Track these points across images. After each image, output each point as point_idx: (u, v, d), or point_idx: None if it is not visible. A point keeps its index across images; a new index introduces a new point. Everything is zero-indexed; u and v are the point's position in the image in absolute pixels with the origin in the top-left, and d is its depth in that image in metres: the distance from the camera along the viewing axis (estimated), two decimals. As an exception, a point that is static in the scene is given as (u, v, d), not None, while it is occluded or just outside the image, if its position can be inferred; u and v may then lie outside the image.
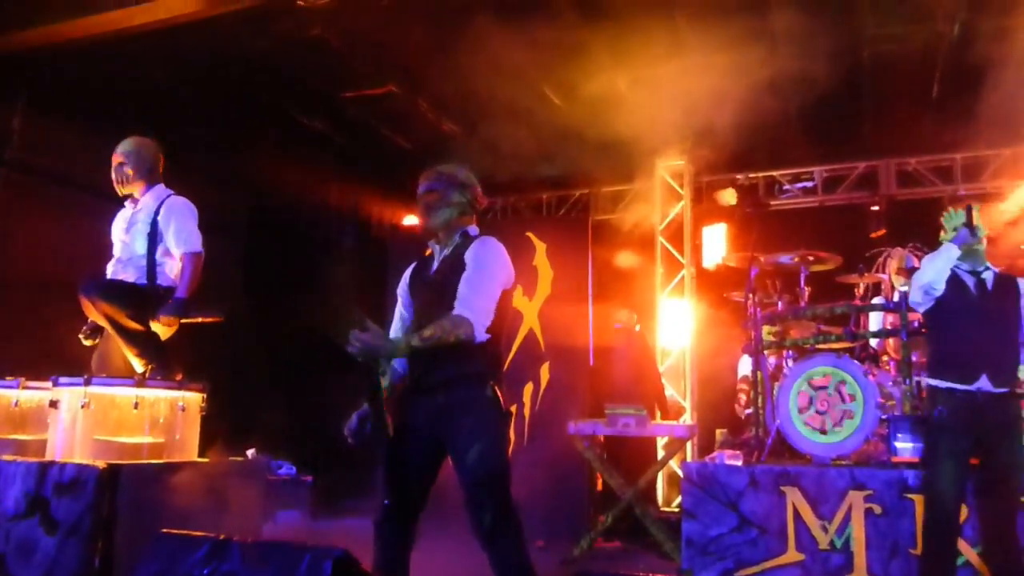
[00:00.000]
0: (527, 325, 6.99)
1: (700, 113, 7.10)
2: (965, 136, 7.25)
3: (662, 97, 6.97)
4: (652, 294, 8.08)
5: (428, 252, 3.10)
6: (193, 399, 4.08)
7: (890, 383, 4.92)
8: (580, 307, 7.03)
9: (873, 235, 7.34)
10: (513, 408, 6.85)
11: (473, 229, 3.04)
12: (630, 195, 8.56)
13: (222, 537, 2.55)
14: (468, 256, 2.89)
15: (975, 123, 6.83)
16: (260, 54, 6.36)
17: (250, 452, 5.81)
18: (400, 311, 3.11)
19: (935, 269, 3.85)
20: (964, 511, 3.93)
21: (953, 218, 3.95)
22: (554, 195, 8.83)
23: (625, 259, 8.18)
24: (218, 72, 6.60)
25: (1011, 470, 3.78)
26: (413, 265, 3.15)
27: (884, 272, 5.59)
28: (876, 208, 7.58)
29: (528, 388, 6.86)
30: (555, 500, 6.28)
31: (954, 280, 3.89)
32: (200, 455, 4.13)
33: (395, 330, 3.08)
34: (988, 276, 3.90)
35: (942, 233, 4.02)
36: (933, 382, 3.92)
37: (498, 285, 2.89)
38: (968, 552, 4.00)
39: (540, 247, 7.12)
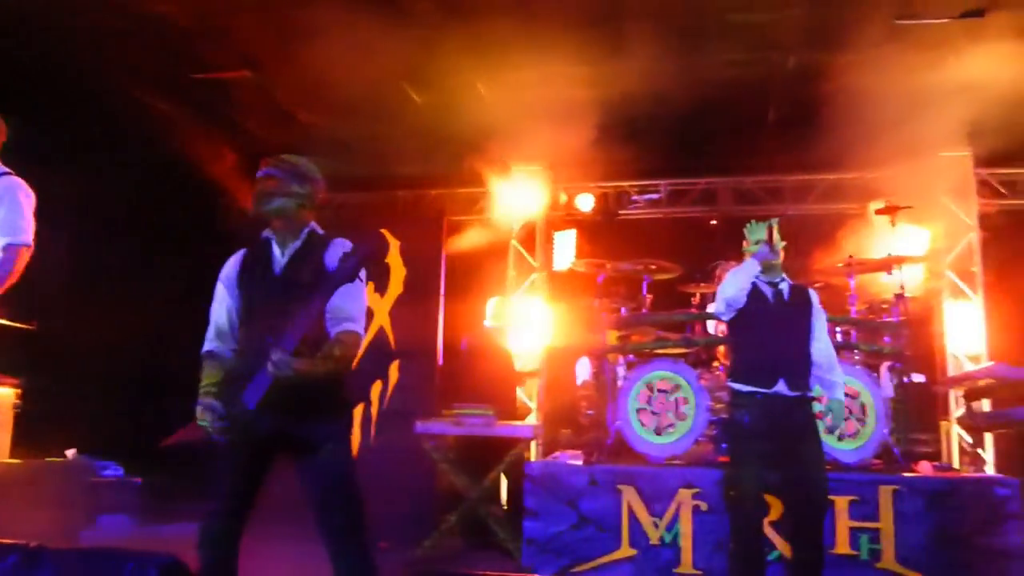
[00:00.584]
0: (377, 322, 6.91)
1: (556, 121, 7.29)
2: (795, 161, 7.82)
3: (520, 103, 7.10)
4: (503, 296, 8.19)
5: (261, 243, 2.98)
6: (4, 395, 3.75)
7: (720, 388, 5.24)
8: (432, 306, 7.03)
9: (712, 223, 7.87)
10: (361, 406, 6.75)
11: (316, 226, 2.98)
12: (486, 198, 8.65)
13: (33, 545, 2.36)
14: (331, 261, 2.80)
15: (803, 149, 7.40)
16: (103, 29, 5.95)
17: (70, 452, 5.41)
18: (226, 302, 2.95)
19: (737, 284, 4.09)
20: (776, 508, 4.25)
21: (754, 231, 4.17)
22: (410, 193, 8.76)
23: (478, 260, 8.25)
24: (56, 45, 6.13)
25: (814, 468, 4.01)
26: (243, 254, 3.01)
27: (718, 283, 5.94)
28: (714, 223, 8.04)
29: (377, 386, 6.78)
30: (400, 500, 6.23)
31: (754, 291, 4.13)
32: (12, 455, 3.80)
33: (220, 321, 2.95)
34: (784, 287, 4.17)
35: (744, 244, 4.27)
36: (736, 387, 4.12)
37: (365, 294, 2.90)
38: (783, 547, 4.32)
39: (394, 244, 7.06)
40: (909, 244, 6.84)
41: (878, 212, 5.92)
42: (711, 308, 5.93)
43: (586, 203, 7.84)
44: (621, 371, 5.64)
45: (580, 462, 4.88)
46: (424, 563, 5.41)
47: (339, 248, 2.83)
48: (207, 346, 2.94)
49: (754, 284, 4.15)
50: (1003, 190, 7.72)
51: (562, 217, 8.06)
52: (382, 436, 6.63)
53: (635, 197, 8.23)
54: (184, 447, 2.74)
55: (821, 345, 4.19)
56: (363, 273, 2.77)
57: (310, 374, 2.60)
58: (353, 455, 2.86)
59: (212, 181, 8.57)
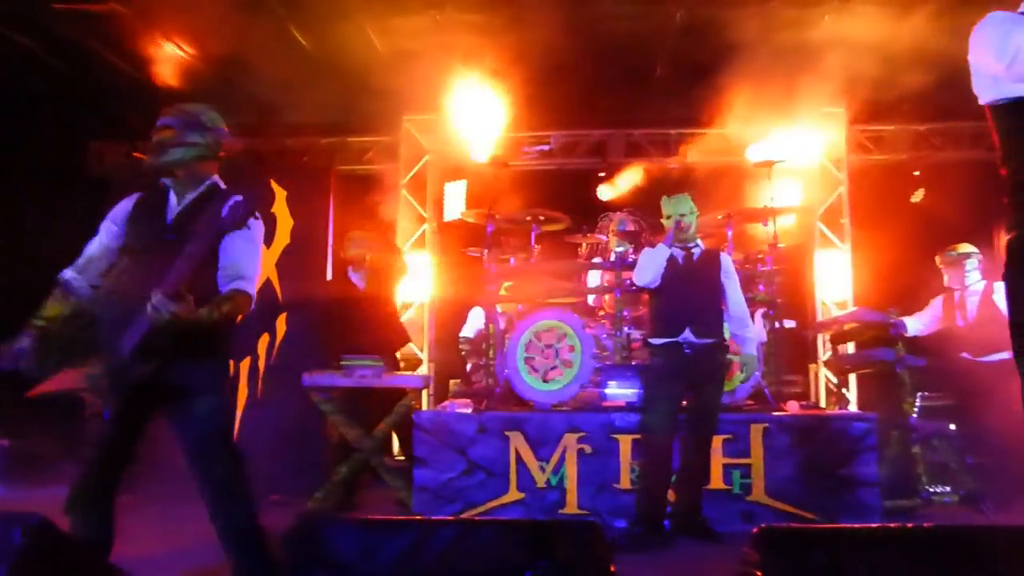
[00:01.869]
0: (264, 274, 6.71)
1: (448, 69, 7.19)
2: (681, 114, 8.01)
3: (411, 50, 6.95)
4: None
5: (158, 190, 2.85)
6: None
7: (605, 335, 5.40)
8: (320, 257, 6.89)
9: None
10: (247, 360, 6.60)
11: (219, 180, 2.88)
12: (376, 147, 8.49)
13: None
14: (232, 218, 2.72)
15: (689, 103, 7.59)
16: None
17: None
18: (105, 239, 2.84)
19: (653, 269, 4.39)
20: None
21: (668, 205, 4.45)
22: (298, 142, 8.51)
23: (368, 211, 8.13)
24: None
25: (709, 410, 4.41)
26: (137, 197, 2.89)
27: (604, 234, 6.08)
28: (603, 174, 8.18)
29: (264, 339, 6.63)
30: (291, 454, 6.18)
31: (668, 258, 4.42)
32: None
33: (91, 254, 2.82)
34: (696, 251, 4.48)
35: (663, 218, 4.49)
36: (651, 340, 4.44)
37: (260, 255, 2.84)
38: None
39: (280, 194, 6.85)
40: (785, 196, 7.18)
41: (756, 165, 6.16)
42: (596, 260, 6.08)
43: (477, 153, 7.81)
44: (510, 320, 5.72)
45: (469, 410, 4.94)
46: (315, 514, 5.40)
47: (242, 207, 2.76)
48: (65, 273, 2.81)
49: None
50: (871, 145, 8.17)
51: (452, 167, 8.01)
52: (270, 390, 6.51)
53: (526, 148, 8.27)
54: (52, 397, 2.61)
55: (733, 303, 4.52)
56: (259, 232, 2.74)
57: (189, 321, 2.52)
58: (233, 408, 2.81)
59: (80, 124, 8.05)
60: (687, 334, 4.29)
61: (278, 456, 5.97)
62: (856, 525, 1.59)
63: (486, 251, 5.39)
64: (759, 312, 5.46)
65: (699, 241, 4.53)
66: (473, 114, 7.40)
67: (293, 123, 8.01)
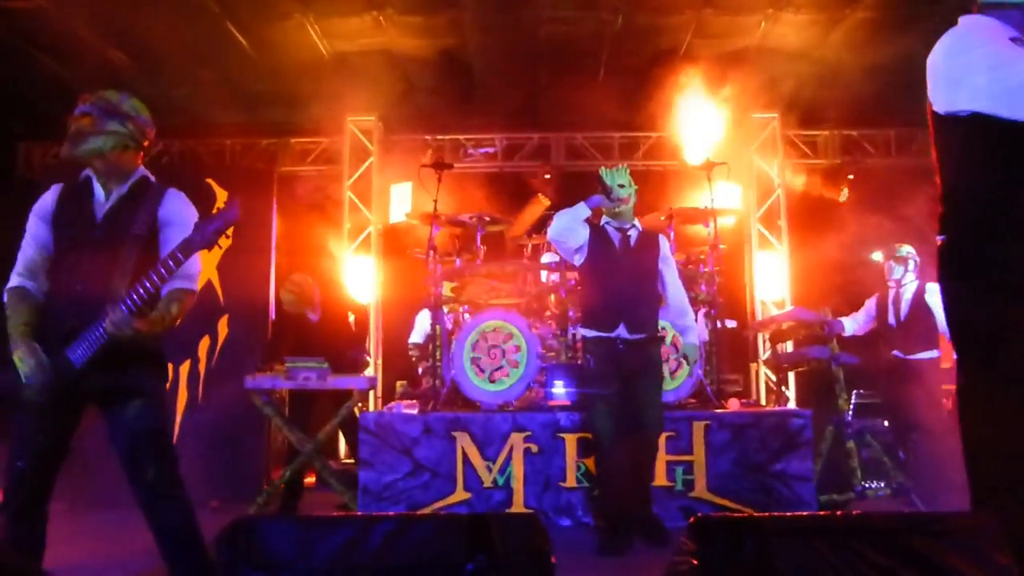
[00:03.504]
0: (205, 275, 6.59)
1: (391, 71, 7.17)
2: (624, 118, 8.13)
3: (353, 51, 6.93)
4: (339, 249, 8.07)
5: (81, 181, 2.72)
6: None
7: (551, 336, 5.46)
8: (263, 259, 6.81)
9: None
10: (187, 363, 6.48)
11: (146, 172, 2.77)
12: (319, 148, 8.42)
13: None
14: (167, 215, 2.65)
15: (631, 108, 7.71)
16: None
17: None
18: (39, 237, 2.68)
19: (561, 224, 4.22)
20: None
21: (607, 176, 4.24)
22: (239, 143, 8.38)
23: (313, 213, 8.06)
24: None
25: (650, 406, 4.23)
26: (59, 188, 2.73)
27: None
28: (548, 176, 8.26)
29: (204, 342, 6.51)
30: (232, 458, 6.09)
31: (602, 236, 4.28)
32: None
33: (30, 256, 2.67)
34: (633, 234, 4.32)
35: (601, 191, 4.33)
36: (582, 332, 4.37)
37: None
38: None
39: (221, 195, 6.74)
40: (724, 199, 7.34)
41: (695, 168, 6.29)
42: (544, 259, 6.14)
43: (422, 155, 7.82)
44: (459, 322, 5.73)
45: (415, 411, 4.94)
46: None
47: (176, 201, 2.70)
48: (15, 281, 2.65)
49: (603, 229, 4.30)
50: (806, 149, 8.41)
51: (398, 169, 8.00)
52: (212, 393, 6.40)
53: (471, 150, 8.29)
54: None
55: (672, 290, 4.38)
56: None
57: (148, 334, 2.48)
58: (167, 411, 2.75)
59: (8, 125, 7.80)
60: (621, 330, 4.16)
61: (218, 461, 5.88)
62: (786, 514, 1.65)
63: (431, 253, 5.39)
64: (701, 312, 5.57)
65: (636, 222, 4.37)
66: (418, 116, 7.40)
67: (233, 123, 7.89)
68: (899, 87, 7.29)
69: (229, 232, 2.60)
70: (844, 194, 8.05)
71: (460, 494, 4.72)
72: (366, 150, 8.19)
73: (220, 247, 6.55)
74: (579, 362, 5.11)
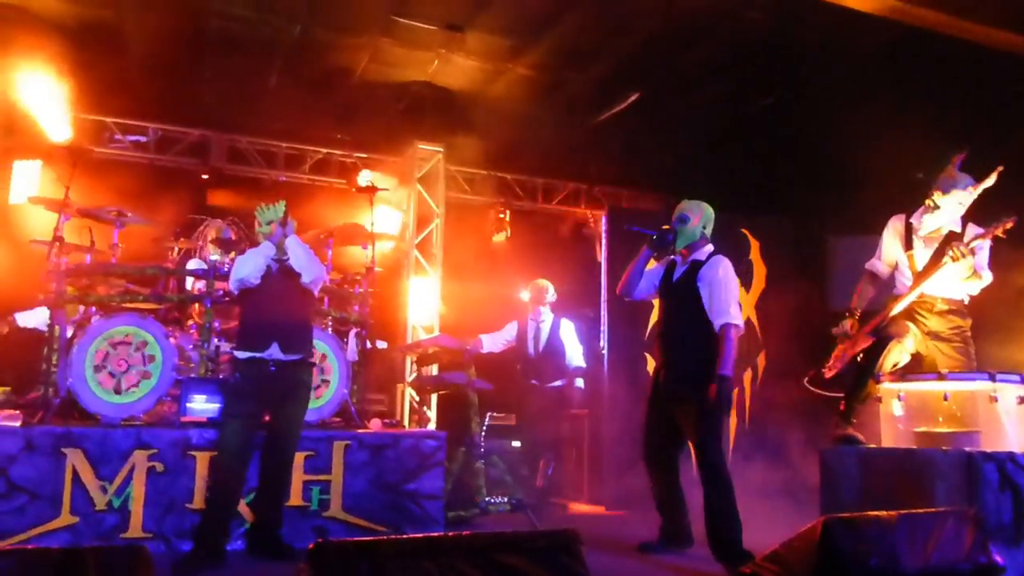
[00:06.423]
0: None
1: (27, 31, 6.29)
2: (292, 129, 7.98)
3: None
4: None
5: None
6: None
7: (191, 346, 5.12)
8: None
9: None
10: None
11: None
12: None
13: None
14: None
15: (301, 120, 7.61)
16: None
17: None
18: None
19: (254, 265, 4.17)
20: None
21: (266, 213, 4.25)
22: None
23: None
24: None
25: (290, 428, 4.34)
26: None
27: (201, 240, 5.78)
28: (206, 177, 7.80)
29: None
30: None
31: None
32: None
33: None
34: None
35: (257, 226, 4.33)
36: (236, 353, 4.27)
37: None
38: (241, 506, 4.40)
39: None
40: (384, 223, 7.55)
41: (358, 191, 6.38)
42: (191, 265, 5.75)
43: (58, 133, 6.93)
44: (80, 324, 5.14)
45: (17, 423, 4.30)
46: None
47: None
48: None
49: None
50: (466, 185, 8.96)
51: (26, 144, 6.99)
52: None
53: (117, 136, 7.54)
54: None
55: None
56: None
57: None
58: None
59: None
60: (274, 350, 4.19)
61: None
62: (397, 536, 1.74)
63: (57, 244, 4.77)
64: (352, 331, 5.62)
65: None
66: (47, 89, 6.50)
67: None
68: (546, 142, 8.16)
69: None
70: (503, 236, 8.73)
71: (65, 519, 4.19)
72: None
73: None
74: (222, 376, 4.91)
